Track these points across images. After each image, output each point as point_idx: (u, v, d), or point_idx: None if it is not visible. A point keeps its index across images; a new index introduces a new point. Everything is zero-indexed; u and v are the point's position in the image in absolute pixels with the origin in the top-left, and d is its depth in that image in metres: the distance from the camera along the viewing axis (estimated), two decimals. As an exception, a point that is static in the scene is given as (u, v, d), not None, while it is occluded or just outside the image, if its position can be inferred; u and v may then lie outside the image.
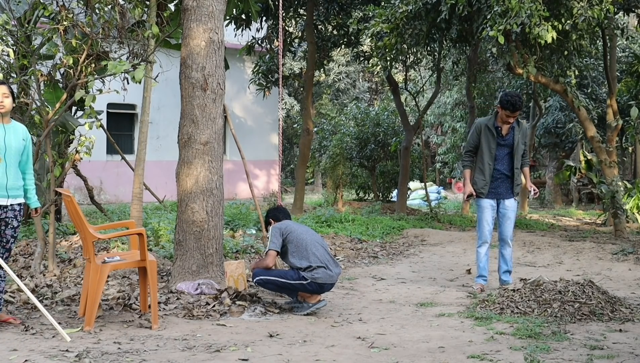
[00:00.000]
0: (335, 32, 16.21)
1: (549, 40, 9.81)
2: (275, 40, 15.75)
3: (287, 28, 16.77)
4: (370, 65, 17.57)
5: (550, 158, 21.66)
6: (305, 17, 15.44)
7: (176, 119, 6.78)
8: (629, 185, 13.81)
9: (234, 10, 11.39)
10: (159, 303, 5.79)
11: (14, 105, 5.34)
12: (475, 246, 7.24)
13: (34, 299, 5.08)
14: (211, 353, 4.66)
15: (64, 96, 6.86)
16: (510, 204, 7.14)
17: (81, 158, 7.16)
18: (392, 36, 11.49)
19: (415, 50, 14.39)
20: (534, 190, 7.24)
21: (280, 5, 9.11)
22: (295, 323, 5.64)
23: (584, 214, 16.86)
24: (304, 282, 5.91)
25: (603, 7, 9.95)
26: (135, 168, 7.57)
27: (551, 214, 17.14)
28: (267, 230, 6.60)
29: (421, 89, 19.25)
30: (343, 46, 16.89)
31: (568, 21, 10.18)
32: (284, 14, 14.53)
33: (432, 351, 4.80)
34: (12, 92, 5.21)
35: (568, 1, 10.20)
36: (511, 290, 6.31)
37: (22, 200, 5.29)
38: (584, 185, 20.20)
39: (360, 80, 31.71)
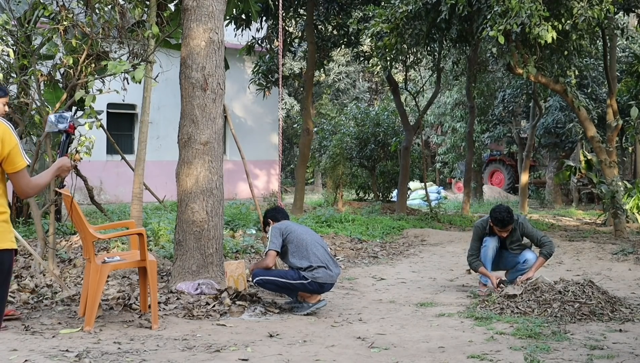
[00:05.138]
0: (335, 32, 16.21)
1: (549, 40, 9.81)
2: (275, 40, 15.75)
3: (287, 28, 16.77)
4: (370, 65, 17.59)
5: (550, 158, 21.66)
6: (305, 17, 15.44)
7: (176, 119, 6.78)
8: (629, 185, 13.81)
9: (234, 10, 11.38)
10: (159, 303, 5.79)
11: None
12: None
13: (26, 245, 5.07)
14: (211, 353, 4.66)
15: (64, 96, 6.86)
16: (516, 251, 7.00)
17: (81, 158, 7.16)
18: (392, 36, 11.49)
19: (415, 50, 14.40)
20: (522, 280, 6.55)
21: (280, 5, 9.11)
22: (295, 323, 5.64)
23: (584, 214, 16.86)
24: (305, 282, 5.91)
25: (603, 7, 9.95)
26: (135, 168, 7.57)
27: (551, 214, 17.14)
28: (265, 231, 6.60)
29: (421, 89, 19.26)
30: (343, 46, 16.90)
31: (568, 21, 10.18)
32: (284, 14, 14.53)
33: (432, 351, 4.80)
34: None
35: (568, 1, 10.20)
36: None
37: None
38: (584, 185, 20.20)
39: (360, 80, 31.71)
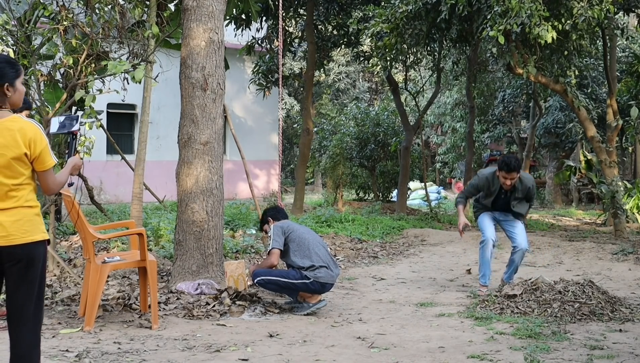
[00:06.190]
0: (335, 32, 16.21)
1: (549, 40, 9.80)
2: (275, 40, 15.75)
3: (287, 28, 16.76)
4: (370, 65, 17.58)
5: (550, 158, 21.65)
6: (305, 17, 15.44)
7: (176, 119, 6.78)
8: (629, 185, 13.80)
9: (234, 10, 11.40)
10: (159, 303, 5.79)
11: None
12: (479, 245, 7.14)
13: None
14: (211, 353, 4.66)
15: (64, 96, 6.86)
16: (510, 216, 7.06)
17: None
18: (392, 36, 11.49)
19: (415, 50, 14.39)
20: None
21: (280, 5, 9.10)
22: (295, 323, 5.64)
23: (584, 214, 16.85)
24: (307, 282, 5.91)
25: (603, 7, 9.94)
26: (135, 168, 7.58)
27: (551, 214, 17.14)
28: (262, 229, 6.61)
29: (421, 89, 19.25)
30: (343, 46, 16.89)
31: (568, 21, 10.17)
32: (284, 14, 14.53)
33: (432, 351, 4.80)
34: None
35: (568, 1, 10.19)
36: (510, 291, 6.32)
37: None
38: (584, 185, 20.19)
39: (360, 80, 31.70)
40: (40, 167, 3.27)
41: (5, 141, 3.17)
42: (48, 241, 3.34)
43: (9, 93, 3.23)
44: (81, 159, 3.79)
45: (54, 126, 3.92)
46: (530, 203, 7.19)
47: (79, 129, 3.95)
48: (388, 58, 12.73)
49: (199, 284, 6.25)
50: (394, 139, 17.50)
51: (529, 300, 6.03)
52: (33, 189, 3.29)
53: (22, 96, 3.33)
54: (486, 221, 7.05)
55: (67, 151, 3.89)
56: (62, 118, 3.97)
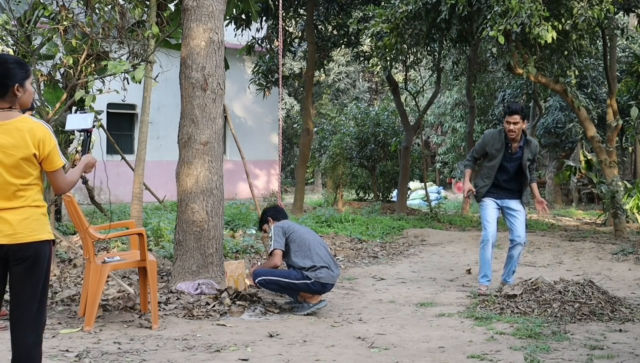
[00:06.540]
0: (335, 32, 16.22)
1: (549, 40, 9.80)
2: (275, 40, 15.76)
3: (287, 28, 16.77)
4: (370, 65, 17.59)
5: (550, 158, 21.65)
6: (305, 17, 15.45)
7: (176, 119, 6.78)
8: (629, 185, 13.79)
9: (234, 10, 11.40)
10: (159, 303, 5.79)
11: None
12: (479, 245, 7.15)
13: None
14: (211, 353, 4.66)
15: (64, 96, 6.87)
16: (515, 205, 6.99)
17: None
18: (392, 36, 11.49)
19: (415, 50, 14.39)
20: (542, 209, 7.19)
21: (280, 5, 9.10)
22: (295, 323, 5.64)
23: (584, 214, 16.85)
24: (308, 282, 5.90)
25: (603, 7, 9.94)
26: (135, 168, 7.58)
27: (551, 214, 17.13)
28: (261, 229, 6.60)
29: (421, 89, 19.25)
30: (343, 46, 16.90)
31: (568, 21, 10.17)
32: (284, 14, 14.52)
33: (432, 351, 4.80)
34: None
35: (568, 1, 10.19)
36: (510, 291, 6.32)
37: None
38: (584, 185, 20.19)
39: (360, 80, 31.70)
40: (49, 167, 3.30)
41: (14, 141, 3.19)
42: (54, 241, 3.35)
43: (19, 94, 3.25)
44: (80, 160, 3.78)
45: (69, 123, 3.92)
46: (532, 166, 7.15)
47: (94, 127, 3.96)
48: (388, 58, 12.73)
49: (199, 284, 6.25)
50: (394, 139, 17.50)
51: (529, 300, 6.03)
52: (40, 190, 3.32)
53: (31, 96, 3.35)
54: (489, 215, 6.93)
55: (80, 149, 3.90)
56: (78, 116, 3.97)
